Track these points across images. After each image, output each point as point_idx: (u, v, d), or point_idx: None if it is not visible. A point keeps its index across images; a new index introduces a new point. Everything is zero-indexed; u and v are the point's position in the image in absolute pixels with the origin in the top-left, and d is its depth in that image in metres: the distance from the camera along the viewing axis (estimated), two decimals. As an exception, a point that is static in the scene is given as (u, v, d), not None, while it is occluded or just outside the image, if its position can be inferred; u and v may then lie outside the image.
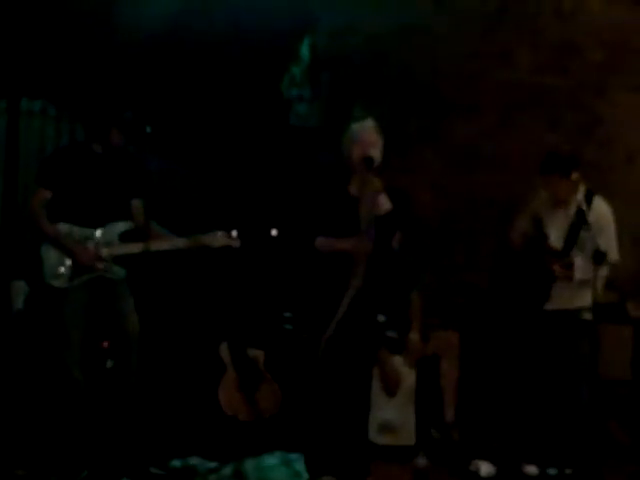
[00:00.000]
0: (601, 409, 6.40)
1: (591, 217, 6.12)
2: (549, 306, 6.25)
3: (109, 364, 6.70)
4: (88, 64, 8.08)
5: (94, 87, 7.56)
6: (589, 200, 6.21)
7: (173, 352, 7.37)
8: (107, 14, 7.93)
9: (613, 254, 6.13)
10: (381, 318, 6.57)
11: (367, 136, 5.73)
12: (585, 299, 6.06)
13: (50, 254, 5.89)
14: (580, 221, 6.14)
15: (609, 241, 6.15)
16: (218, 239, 6.12)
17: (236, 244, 6.15)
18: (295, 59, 8.80)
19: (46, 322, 6.91)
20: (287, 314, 7.69)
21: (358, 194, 5.70)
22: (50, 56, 8.06)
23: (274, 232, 7.88)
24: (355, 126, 5.82)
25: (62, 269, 5.87)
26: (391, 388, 6.57)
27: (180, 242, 6.10)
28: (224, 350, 6.90)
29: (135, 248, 5.99)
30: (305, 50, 8.77)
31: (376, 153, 5.68)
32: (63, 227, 5.93)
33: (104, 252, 5.92)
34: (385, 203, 5.72)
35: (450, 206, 8.09)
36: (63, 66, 8.11)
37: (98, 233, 5.95)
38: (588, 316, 6.14)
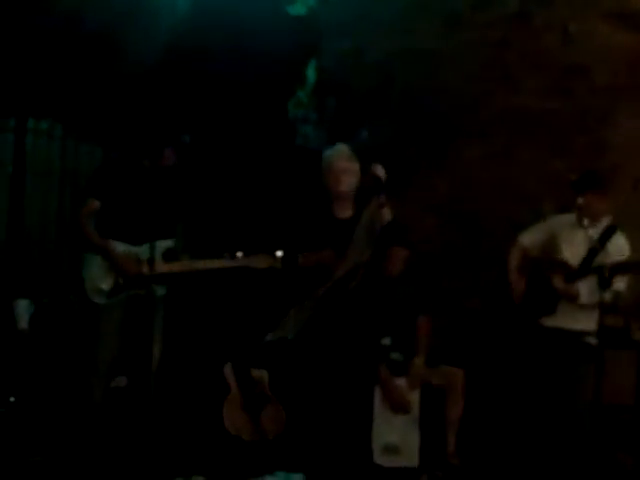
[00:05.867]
0: (605, 435, 6.40)
1: (610, 247, 6.15)
2: (552, 323, 6.26)
3: (121, 382, 6.70)
4: (95, 85, 8.14)
5: (102, 108, 7.61)
6: (612, 231, 6.24)
7: (177, 371, 7.35)
8: (113, 37, 7.98)
9: (620, 283, 6.14)
10: (386, 341, 6.60)
11: (340, 163, 5.80)
12: (590, 323, 6.07)
13: (93, 268, 5.86)
14: (600, 246, 6.16)
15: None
16: (262, 260, 6.11)
17: (278, 265, 6.14)
18: (301, 82, 8.85)
19: (52, 341, 6.91)
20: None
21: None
22: (57, 77, 8.11)
23: (279, 253, 7.89)
24: (327, 154, 5.91)
25: (104, 285, 5.84)
26: (395, 406, 6.55)
27: (224, 262, 6.02)
28: (228, 370, 6.89)
29: (178, 267, 5.94)
30: (311, 73, 8.82)
31: (349, 179, 5.75)
32: (110, 243, 5.91)
33: (147, 269, 5.84)
34: (387, 214, 5.74)
35: (454, 231, 8.09)
36: (70, 87, 8.16)
37: (142, 250, 5.92)
38: (593, 341, 6.14)
